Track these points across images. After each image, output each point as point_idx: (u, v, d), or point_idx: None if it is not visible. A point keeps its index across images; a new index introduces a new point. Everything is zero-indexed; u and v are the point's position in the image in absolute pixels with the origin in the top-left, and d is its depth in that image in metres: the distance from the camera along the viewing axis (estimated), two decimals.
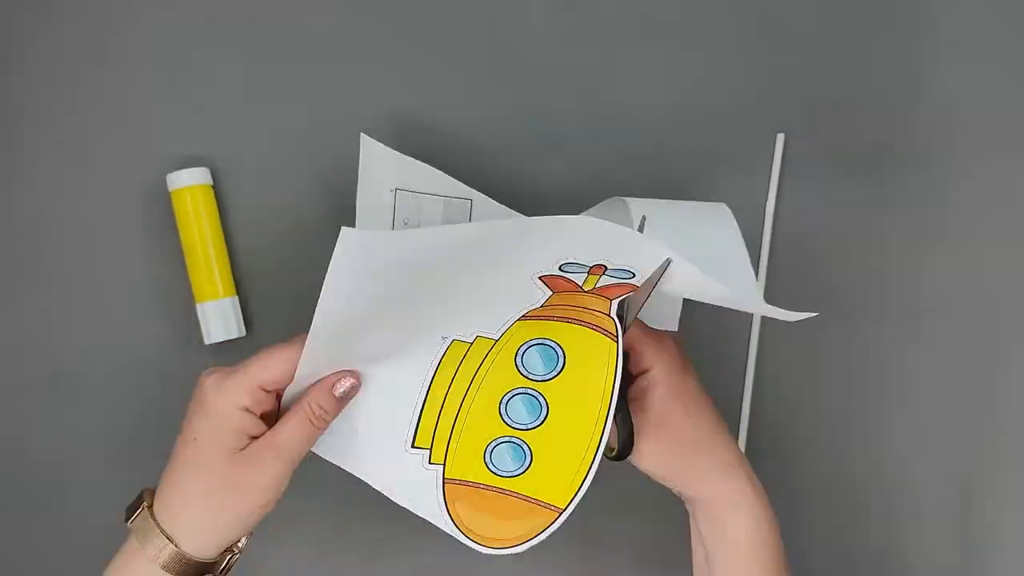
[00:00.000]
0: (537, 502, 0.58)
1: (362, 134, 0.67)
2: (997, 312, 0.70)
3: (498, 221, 0.58)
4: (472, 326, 0.60)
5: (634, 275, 0.57)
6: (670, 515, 0.63)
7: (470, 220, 0.69)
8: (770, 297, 0.70)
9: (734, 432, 0.70)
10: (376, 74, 0.71)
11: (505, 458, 0.59)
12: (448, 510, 0.59)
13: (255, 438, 0.57)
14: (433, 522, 0.59)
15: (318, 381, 0.58)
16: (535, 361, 0.59)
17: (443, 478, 0.59)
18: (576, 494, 0.57)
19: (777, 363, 0.70)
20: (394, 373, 0.60)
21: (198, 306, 0.69)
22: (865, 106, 0.71)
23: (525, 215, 0.68)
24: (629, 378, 0.61)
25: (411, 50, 0.71)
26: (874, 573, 0.70)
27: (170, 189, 0.68)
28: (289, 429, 0.57)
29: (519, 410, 0.59)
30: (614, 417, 0.57)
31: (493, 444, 0.59)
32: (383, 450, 0.60)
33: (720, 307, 0.70)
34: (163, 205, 0.69)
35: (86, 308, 0.70)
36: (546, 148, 0.71)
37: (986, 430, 0.70)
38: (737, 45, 0.71)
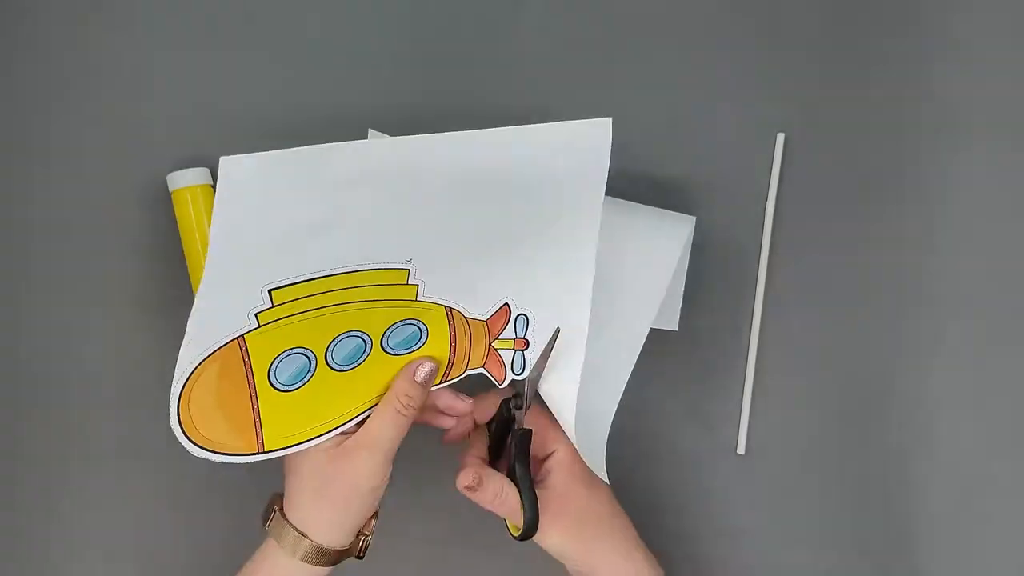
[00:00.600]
0: (258, 428, 0.58)
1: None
2: (997, 312, 0.70)
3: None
4: (424, 258, 0.61)
5: (528, 328, 0.61)
6: None
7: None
8: (770, 297, 0.70)
9: (735, 431, 0.70)
10: (376, 74, 0.71)
11: (289, 369, 0.59)
12: (192, 374, 0.59)
13: (349, 434, 0.59)
14: (176, 374, 0.58)
15: (400, 371, 0.60)
16: (402, 335, 0.61)
17: (244, 341, 0.59)
18: (277, 450, 0.58)
19: (777, 363, 0.70)
20: (338, 243, 0.60)
21: None
22: (865, 106, 0.71)
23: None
24: (535, 460, 0.63)
25: (411, 50, 0.71)
26: (874, 573, 0.70)
27: (170, 189, 0.68)
28: (379, 424, 0.59)
29: (345, 348, 0.60)
30: (520, 497, 0.59)
31: (299, 350, 0.59)
32: (249, 276, 0.60)
33: (720, 307, 0.70)
34: (163, 205, 0.69)
35: (86, 308, 0.70)
36: None
37: (986, 430, 0.70)
38: (737, 45, 0.71)
